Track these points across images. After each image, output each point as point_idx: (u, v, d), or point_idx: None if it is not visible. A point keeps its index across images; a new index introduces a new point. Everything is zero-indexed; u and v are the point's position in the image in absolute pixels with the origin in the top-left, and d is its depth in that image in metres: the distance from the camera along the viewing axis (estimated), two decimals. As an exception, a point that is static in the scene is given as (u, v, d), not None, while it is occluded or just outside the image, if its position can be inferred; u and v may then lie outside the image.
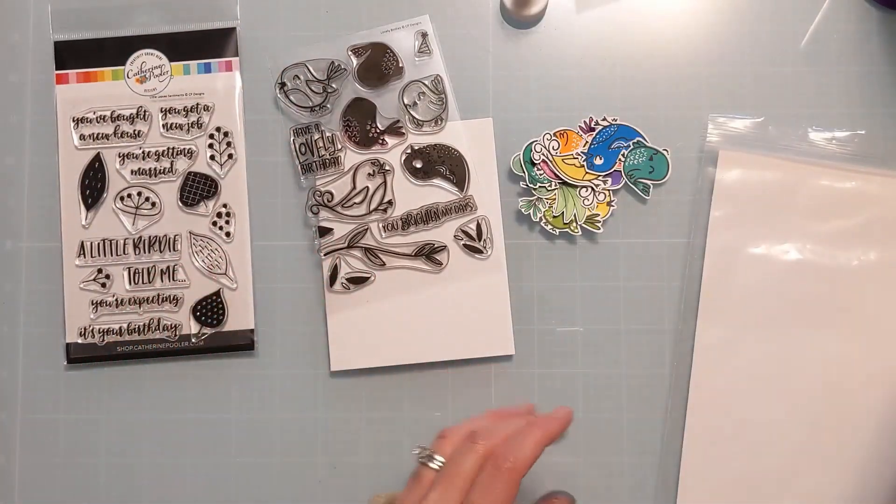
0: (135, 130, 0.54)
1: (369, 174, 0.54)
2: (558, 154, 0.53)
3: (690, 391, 0.52)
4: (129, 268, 0.53)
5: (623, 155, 0.53)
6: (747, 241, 0.52)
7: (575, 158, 0.53)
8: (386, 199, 0.54)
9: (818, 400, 0.51)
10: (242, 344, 0.53)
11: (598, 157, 0.53)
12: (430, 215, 0.53)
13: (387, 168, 0.54)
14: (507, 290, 0.53)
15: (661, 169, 0.53)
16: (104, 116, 0.54)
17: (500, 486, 0.41)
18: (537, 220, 0.53)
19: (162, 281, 0.53)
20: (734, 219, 0.52)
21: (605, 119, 0.53)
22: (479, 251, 0.53)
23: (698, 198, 0.53)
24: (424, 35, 0.54)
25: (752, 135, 0.53)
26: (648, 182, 0.53)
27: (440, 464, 0.44)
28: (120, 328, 0.53)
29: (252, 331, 0.53)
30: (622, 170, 0.53)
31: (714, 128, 0.54)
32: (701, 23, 0.55)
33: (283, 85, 0.54)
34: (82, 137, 0.54)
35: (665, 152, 0.53)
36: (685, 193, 0.54)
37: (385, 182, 0.54)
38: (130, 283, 0.53)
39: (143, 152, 0.54)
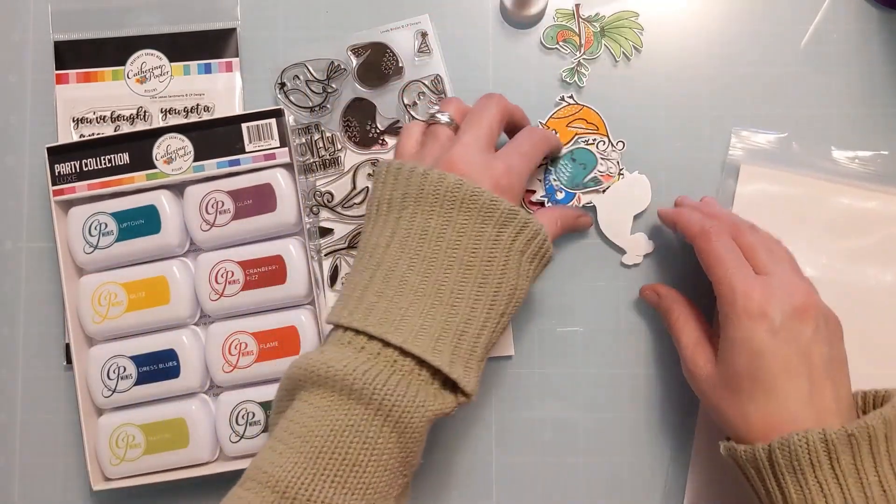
0: (135, 130, 0.54)
1: (369, 174, 0.53)
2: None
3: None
4: (129, 268, 0.53)
5: (554, 174, 0.52)
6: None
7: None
8: (386, 199, 0.53)
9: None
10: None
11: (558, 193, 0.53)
12: (430, 215, 0.53)
13: (387, 168, 0.54)
14: (507, 290, 0.53)
15: (587, 159, 0.52)
16: (104, 116, 0.54)
17: (536, 136, 0.46)
18: (583, 84, 0.54)
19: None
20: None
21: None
22: (479, 251, 0.53)
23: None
24: (424, 35, 0.54)
25: (774, 150, 0.53)
26: (591, 177, 0.52)
27: (449, 119, 0.45)
28: (120, 328, 0.53)
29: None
30: (565, 186, 0.52)
31: (737, 141, 0.53)
32: (701, 22, 0.55)
33: (283, 85, 0.54)
34: (82, 137, 0.54)
35: (585, 144, 0.52)
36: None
37: (385, 182, 0.54)
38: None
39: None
